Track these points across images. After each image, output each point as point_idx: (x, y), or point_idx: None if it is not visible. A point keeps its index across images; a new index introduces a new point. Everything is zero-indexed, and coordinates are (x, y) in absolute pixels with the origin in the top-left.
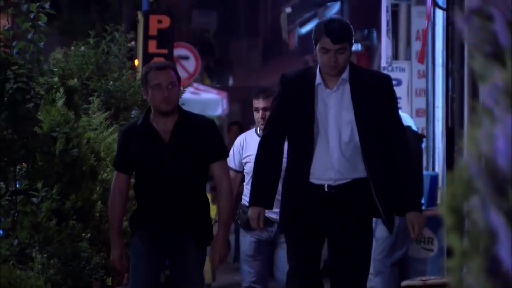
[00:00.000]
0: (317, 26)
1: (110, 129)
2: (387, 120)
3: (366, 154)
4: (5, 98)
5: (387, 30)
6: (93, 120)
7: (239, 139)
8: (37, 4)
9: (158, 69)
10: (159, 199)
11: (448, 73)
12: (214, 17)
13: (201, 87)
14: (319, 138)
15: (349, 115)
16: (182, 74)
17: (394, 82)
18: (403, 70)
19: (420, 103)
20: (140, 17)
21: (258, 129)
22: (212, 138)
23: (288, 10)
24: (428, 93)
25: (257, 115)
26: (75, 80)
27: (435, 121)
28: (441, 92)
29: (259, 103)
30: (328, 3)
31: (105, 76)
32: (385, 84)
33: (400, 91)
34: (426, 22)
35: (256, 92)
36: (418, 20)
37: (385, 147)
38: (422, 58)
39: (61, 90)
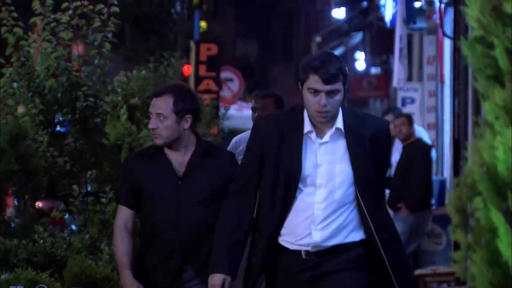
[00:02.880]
0: (304, 61)
1: None
2: (381, 175)
3: (369, 215)
4: (77, 114)
5: (400, 56)
6: None
7: (235, 140)
8: (101, 34)
9: (155, 95)
10: (166, 247)
11: (454, 93)
12: (255, 45)
13: (244, 104)
14: (302, 197)
15: (345, 170)
16: (228, 93)
17: (408, 101)
18: (416, 90)
19: (430, 118)
20: (192, 45)
21: None
22: (230, 174)
23: (318, 39)
24: (437, 109)
25: (254, 115)
26: (137, 98)
27: (443, 133)
28: (448, 109)
29: (255, 102)
30: (352, 32)
31: None
32: (385, 133)
33: (413, 108)
34: (437, 49)
35: (254, 93)
36: (429, 47)
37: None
38: (442, 78)
39: (125, 107)
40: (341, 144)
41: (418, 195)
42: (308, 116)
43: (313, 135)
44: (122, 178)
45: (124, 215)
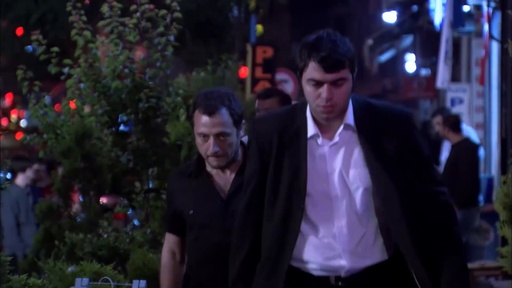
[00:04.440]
0: (302, 45)
1: None
2: (414, 177)
3: (394, 224)
4: (139, 115)
5: (446, 58)
6: None
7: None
8: (165, 37)
9: (208, 114)
10: (212, 283)
11: (502, 94)
12: None
13: None
14: (314, 213)
15: (361, 176)
16: None
17: (457, 101)
18: (464, 91)
19: (479, 118)
20: (249, 48)
21: None
22: None
23: (370, 42)
24: (485, 110)
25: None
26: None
27: (491, 133)
28: (496, 109)
29: (258, 104)
30: (403, 35)
31: None
32: (407, 125)
33: (462, 108)
34: (484, 51)
35: (257, 93)
36: (477, 50)
37: (417, 217)
38: (482, 80)
39: (184, 107)
40: (354, 143)
41: (466, 192)
42: (312, 115)
43: (319, 139)
44: (167, 198)
45: (170, 243)
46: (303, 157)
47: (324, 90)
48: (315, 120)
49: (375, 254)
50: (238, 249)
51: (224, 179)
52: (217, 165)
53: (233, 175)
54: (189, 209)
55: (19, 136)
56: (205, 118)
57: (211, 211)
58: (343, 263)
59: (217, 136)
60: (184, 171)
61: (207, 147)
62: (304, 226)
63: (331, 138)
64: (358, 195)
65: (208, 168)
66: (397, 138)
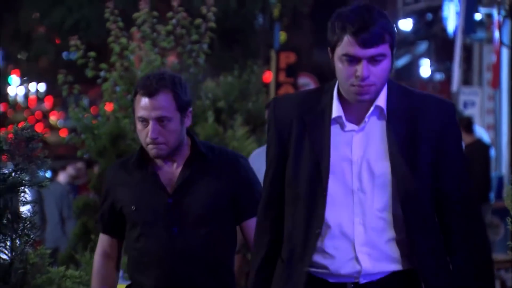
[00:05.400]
0: (335, 18)
1: (250, 140)
2: (445, 174)
3: (414, 232)
4: None
5: (459, 64)
6: (236, 133)
7: (257, 152)
8: (198, 45)
9: (148, 95)
10: (157, 284)
11: (511, 97)
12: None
13: None
14: (333, 209)
15: (384, 169)
16: None
17: (469, 104)
18: (476, 94)
19: (490, 120)
20: (273, 54)
21: None
22: (242, 184)
23: None
24: (496, 112)
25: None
26: (223, 102)
27: (501, 134)
28: (506, 111)
29: (267, 114)
30: (418, 42)
31: (246, 99)
32: (447, 115)
33: (474, 110)
34: (495, 57)
35: (267, 103)
36: (488, 56)
37: (444, 221)
38: (495, 84)
39: (212, 110)
40: (382, 130)
41: (478, 190)
42: (339, 96)
43: (345, 122)
44: (102, 194)
45: (104, 246)
46: (326, 142)
47: (361, 67)
48: (341, 101)
49: (396, 259)
50: (258, 248)
51: (171, 172)
52: (156, 153)
53: (180, 168)
54: (131, 204)
55: (64, 133)
56: (144, 100)
57: (156, 206)
58: (359, 267)
59: (158, 120)
60: (126, 163)
61: (146, 134)
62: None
63: (359, 122)
64: (381, 190)
65: (156, 161)
66: (432, 128)
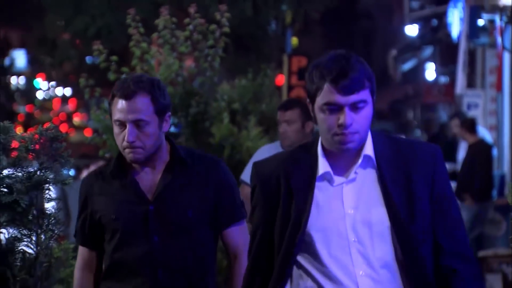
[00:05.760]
0: (312, 67)
1: (263, 140)
2: (441, 218)
3: (411, 280)
4: (189, 118)
5: (463, 67)
6: (250, 133)
7: (262, 151)
8: (213, 49)
9: (125, 97)
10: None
11: None
12: None
13: None
14: (334, 266)
15: (381, 216)
16: None
17: (472, 106)
18: (479, 96)
19: (492, 120)
20: (285, 58)
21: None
22: (223, 190)
23: (394, 52)
24: (498, 113)
25: (280, 130)
26: (238, 104)
27: (503, 134)
28: (508, 113)
29: (279, 115)
30: (424, 46)
31: (260, 101)
32: (436, 159)
33: (477, 112)
34: (497, 61)
35: (279, 105)
36: (491, 60)
37: (443, 264)
38: (499, 87)
39: (227, 111)
40: (373, 179)
41: (481, 188)
42: (323, 150)
43: (332, 177)
44: (79, 206)
45: (84, 259)
46: (310, 194)
47: (343, 114)
48: (326, 156)
49: None
50: None
51: (150, 178)
52: (133, 157)
53: (160, 174)
54: (111, 214)
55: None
56: (121, 103)
57: (136, 215)
58: None
59: (135, 124)
60: (103, 172)
61: (123, 137)
62: (317, 275)
63: (347, 174)
64: (379, 239)
65: (134, 168)
66: (421, 177)
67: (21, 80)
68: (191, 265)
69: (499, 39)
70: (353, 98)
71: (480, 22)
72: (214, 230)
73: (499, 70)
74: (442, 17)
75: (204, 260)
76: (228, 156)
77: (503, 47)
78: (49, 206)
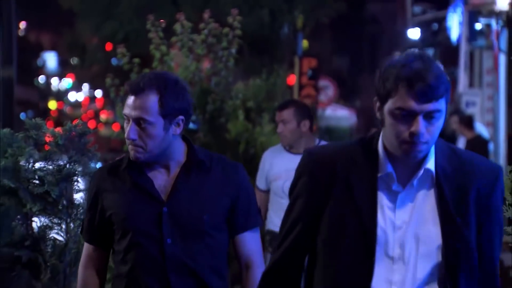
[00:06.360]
0: (388, 67)
1: (276, 135)
2: (484, 250)
3: None
4: (206, 115)
5: (464, 68)
6: (264, 129)
7: (265, 155)
8: (227, 51)
9: (133, 93)
10: None
11: (508, 97)
12: (347, 59)
13: (338, 107)
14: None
15: (432, 237)
16: (324, 98)
17: (470, 104)
18: (477, 95)
19: (489, 117)
20: (296, 59)
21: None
22: (241, 195)
23: (397, 54)
24: (494, 111)
25: (278, 129)
26: (252, 102)
27: (499, 130)
28: (503, 110)
29: (277, 116)
30: (425, 48)
31: (273, 99)
32: (497, 182)
33: (475, 109)
34: (493, 62)
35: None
36: (487, 61)
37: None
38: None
39: (242, 109)
40: (430, 195)
41: None
42: (385, 151)
43: (392, 179)
44: (87, 201)
45: (90, 257)
46: (373, 201)
47: (417, 123)
48: (389, 158)
49: None
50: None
51: (165, 179)
52: (134, 156)
53: (175, 174)
54: (122, 212)
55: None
56: (130, 98)
57: (149, 215)
58: None
59: (137, 121)
60: (116, 167)
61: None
62: None
63: (404, 184)
64: (424, 259)
65: (149, 166)
66: (482, 200)
67: (53, 80)
68: (204, 270)
69: (495, 42)
70: (430, 106)
71: (478, 26)
72: (228, 234)
73: (494, 70)
74: (442, 21)
75: (218, 266)
76: (243, 150)
77: (499, 49)
78: (78, 196)
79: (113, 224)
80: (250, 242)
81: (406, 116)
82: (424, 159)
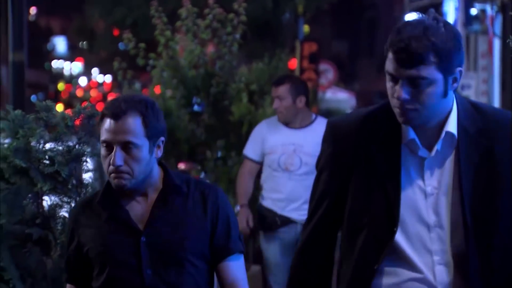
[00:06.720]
0: (393, 30)
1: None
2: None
3: (486, 274)
4: (210, 98)
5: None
6: (267, 112)
7: (260, 127)
8: (232, 35)
9: (114, 117)
10: None
11: (502, 80)
12: (346, 43)
13: (338, 89)
14: (407, 246)
15: (456, 204)
16: (324, 81)
17: (465, 86)
18: (472, 78)
19: (483, 100)
20: (297, 44)
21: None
22: (221, 221)
23: None
24: (489, 93)
25: (275, 105)
26: (255, 85)
27: None
28: (497, 93)
29: (273, 92)
30: None
31: None
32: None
33: (470, 92)
34: (488, 46)
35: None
36: (482, 45)
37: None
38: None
39: (246, 92)
40: (454, 158)
41: None
42: None
43: (417, 145)
44: (66, 235)
45: None
46: (396, 167)
47: (397, 87)
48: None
49: None
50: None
51: (142, 207)
52: (119, 183)
53: (151, 202)
54: (98, 245)
55: None
56: (109, 123)
57: (126, 247)
58: None
59: (123, 146)
60: (90, 201)
61: (109, 161)
62: (395, 260)
63: (429, 148)
64: (455, 225)
65: (124, 196)
66: (509, 155)
67: (61, 64)
68: None
69: (490, 27)
70: (411, 73)
71: (473, 11)
72: (211, 262)
73: (488, 54)
74: (438, 6)
75: None
76: (246, 131)
77: (494, 34)
78: (87, 176)
79: (90, 260)
80: (233, 270)
81: (392, 80)
82: (445, 121)
